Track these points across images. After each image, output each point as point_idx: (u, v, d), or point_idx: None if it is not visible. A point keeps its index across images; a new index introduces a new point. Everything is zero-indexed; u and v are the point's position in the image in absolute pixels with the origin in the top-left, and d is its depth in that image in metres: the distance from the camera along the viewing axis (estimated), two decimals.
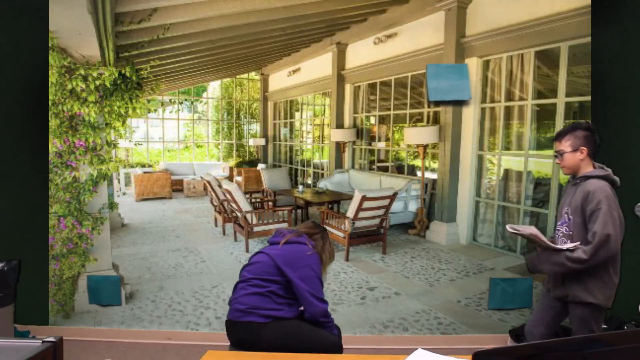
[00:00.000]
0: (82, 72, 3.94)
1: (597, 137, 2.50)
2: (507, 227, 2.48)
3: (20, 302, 3.69)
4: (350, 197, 4.69)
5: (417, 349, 1.65)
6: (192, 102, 5.57)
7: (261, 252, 2.46)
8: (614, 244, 2.30)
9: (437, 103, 4.44)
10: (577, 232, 2.43)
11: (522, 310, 3.88)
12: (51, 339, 1.41)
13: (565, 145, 2.49)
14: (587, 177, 2.44)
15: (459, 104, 4.35)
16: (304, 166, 5.91)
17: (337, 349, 2.36)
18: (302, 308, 2.36)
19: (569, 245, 2.41)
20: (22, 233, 4.02)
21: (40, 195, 4.01)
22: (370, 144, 5.44)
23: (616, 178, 2.46)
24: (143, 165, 5.32)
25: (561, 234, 2.53)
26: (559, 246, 2.44)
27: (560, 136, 2.52)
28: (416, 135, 4.85)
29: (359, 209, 4.50)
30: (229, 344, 2.39)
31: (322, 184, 5.50)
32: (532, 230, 2.43)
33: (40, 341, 1.40)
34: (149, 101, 4.70)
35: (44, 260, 4.01)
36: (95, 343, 3.90)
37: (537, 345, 1.05)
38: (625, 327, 3.30)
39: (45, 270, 4.01)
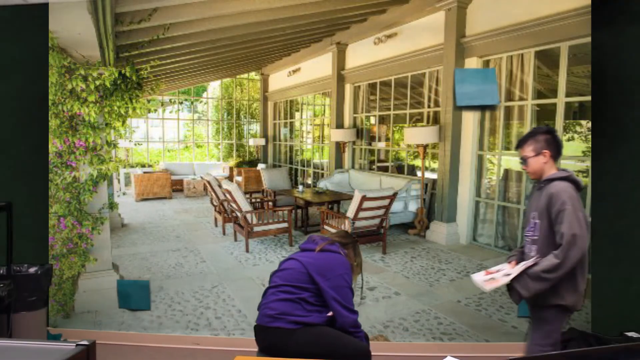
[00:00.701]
0: (82, 72, 3.95)
1: (559, 139, 2.54)
2: (486, 289, 2.49)
3: None
4: (350, 197, 4.69)
5: (446, 357, 1.65)
6: (192, 102, 5.57)
7: (292, 258, 2.44)
8: (581, 243, 2.31)
9: (464, 108, 4.36)
10: (544, 235, 2.44)
11: None
12: (85, 342, 1.43)
13: (528, 150, 2.52)
14: (551, 180, 2.45)
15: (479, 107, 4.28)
16: (304, 166, 5.90)
17: (366, 355, 2.34)
18: (330, 313, 2.35)
19: (529, 262, 2.42)
20: (22, 233, 4.02)
21: (40, 195, 4.01)
22: (370, 144, 5.43)
23: (578, 179, 2.47)
24: (143, 165, 5.31)
25: (529, 241, 2.54)
26: (519, 268, 2.44)
27: (522, 143, 2.56)
28: (416, 135, 4.85)
29: (359, 209, 4.50)
30: (257, 349, 2.39)
31: (322, 184, 5.49)
32: (504, 280, 2.46)
33: (74, 344, 1.42)
34: (149, 101, 4.69)
35: (44, 260, 4.00)
36: (123, 347, 3.88)
37: (567, 354, 1.04)
38: None
39: None
